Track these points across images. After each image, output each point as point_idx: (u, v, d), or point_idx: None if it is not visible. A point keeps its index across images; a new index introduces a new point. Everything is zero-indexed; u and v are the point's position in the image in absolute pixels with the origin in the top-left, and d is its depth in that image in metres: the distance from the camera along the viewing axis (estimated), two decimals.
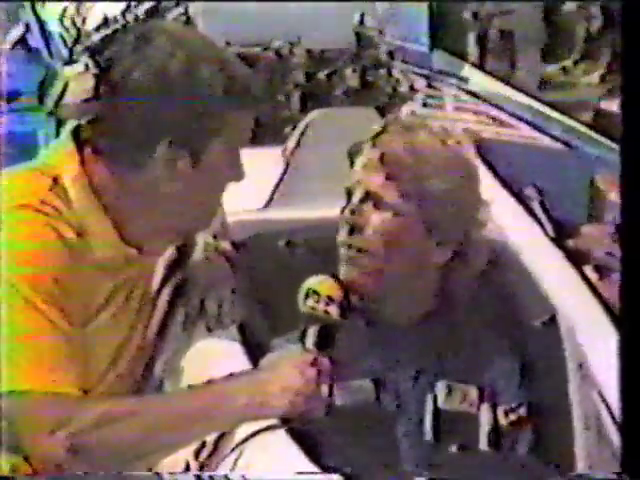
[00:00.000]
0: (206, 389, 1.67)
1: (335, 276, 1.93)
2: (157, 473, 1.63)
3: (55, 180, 1.64)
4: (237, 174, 1.73)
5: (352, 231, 1.86)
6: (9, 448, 1.54)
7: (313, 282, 1.92)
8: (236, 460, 1.67)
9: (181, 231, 1.82)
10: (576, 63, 3.55)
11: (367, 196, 1.86)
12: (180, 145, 1.62)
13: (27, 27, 3.92)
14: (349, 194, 1.89)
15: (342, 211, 1.90)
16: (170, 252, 2.01)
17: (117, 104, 1.62)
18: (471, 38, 3.75)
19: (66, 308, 1.58)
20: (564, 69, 3.56)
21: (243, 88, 1.65)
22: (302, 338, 1.87)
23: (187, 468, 1.70)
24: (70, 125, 1.71)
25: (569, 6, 3.61)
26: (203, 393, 1.67)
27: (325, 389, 1.71)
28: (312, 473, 1.62)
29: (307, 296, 1.91)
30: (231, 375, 1.69)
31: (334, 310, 1.90)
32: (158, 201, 1.68)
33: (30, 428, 1.52)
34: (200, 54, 1.63)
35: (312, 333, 1.88)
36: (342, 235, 1.88)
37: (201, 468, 1.69)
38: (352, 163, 1.93)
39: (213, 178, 1.69)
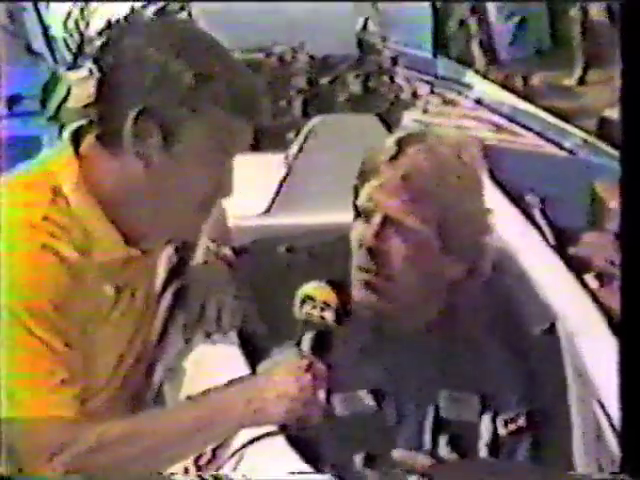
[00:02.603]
0: (202, 401, 1.67)
1: (331, 282, 1.93)
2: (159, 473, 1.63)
3: (55, 190, 1.62)
4: (226, 187, 1.70)
5: (373, 255, 1.83)
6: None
7: (309, 288, 1.93)
8: (235, 466, 1.67)
9: (173, 235, 1.81)
10: (583, 70, 3.55)
11: (386, 220, 1.83)
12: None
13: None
14: (361, 214, 1.87)
15: (356, 232, 1.88)
16: (170, 255, 2.01)
17: (117, 106, 1.61)
18: (475, 45, 3.76)
19: (64, 331, 1.56)
20: (569, 76, 3.57)
21: (243, 95, 1.63)
22: (298, 344, 1.88)
23: (186, 473, 1.70)
24: (70, 128, 1.70)
25: (575, 11, 3.60)
26: (199, 405, 1.67)
27: (322, 395, 1.71)
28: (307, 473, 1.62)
29: (303, 302, 1.91)
30: (228, 383, 1.69)
31: (330, 316, 1.90)
32: (149, 195, 1.66)
33: (29, 454, 1.52)
34: (191, 49, 1.61)
35: (308, 339, 1.88)
36: (359, 259, 1.86)
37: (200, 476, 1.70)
38: (362, 181, 1.90)
39: (196, 178, 1.65)
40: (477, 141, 2.76)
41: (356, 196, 1.91)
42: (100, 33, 3.86)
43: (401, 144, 1.87)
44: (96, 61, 1.64)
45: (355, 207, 1.91)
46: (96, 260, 1.64)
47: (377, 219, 1.83)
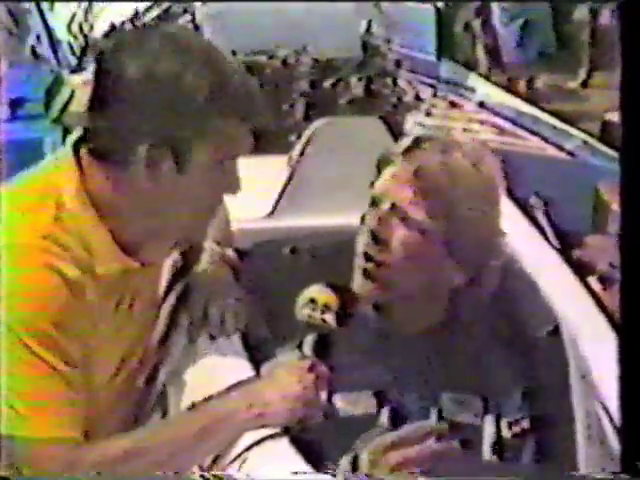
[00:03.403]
0: (204, 410, 1.67)
1: (332, 285, 1.93)
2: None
3: (58, 204, 1.61)
4: (232, 185, 1.71)
5: (375, 241, 1.84)
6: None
7: (310, 291, 1.93)
8: (238, 469, 1.67)
9: (179, 239, 1.81)
10: (588, 74, 3.55)
11: (393, 208, 1.84)
12: (162, 146, 1.58)
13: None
14: (374, 202, 1.88)
15: (363, 218, 1.88)
16: (175, 259, 2.01)
17: (109, 107, 1.60)
18: (480, 48, 3.76)
19: (66, 350, 1.56)
20: (573, 79, 3.57)
21: (237, 93, 1.61)
22: (300, 345, 1.88)
23: None
24: (72, 137, 1.69)
25: (579, 14, 3.60)
26: (201, 415, 1.67)
27: (324, 395, 1.71)
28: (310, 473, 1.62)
29: (305, 305, 1.92)
30: (229, 388, 1.69)
31: (331, 318, 1.90)
32: (151, 208, 1.66)
33: (33, 475, 1.52)
34: (192, 54, 1.59)
35: (309, 341, 1.88)
36: (362, 243, 1.86)
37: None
38: (379, 171, 1.91)
39: (203, 186, 1.65)
40: (495, 155, 2.76)
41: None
42: (106, 35, 3.86)
43: (418, 141, 1.90)
44: (98, 64, 1.63)
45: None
46: (97, 273, 1.64)
47: (385, 206, 1.85)
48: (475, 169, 1.87)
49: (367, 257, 1.85)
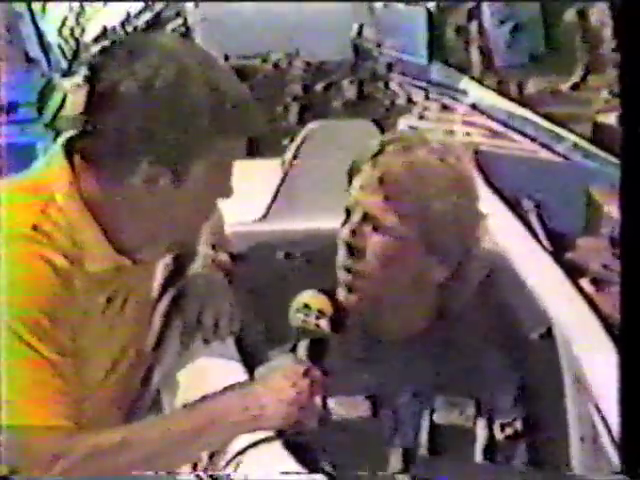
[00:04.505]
0: (199, 408, 1.67)
1: (326, 291, 1.93)
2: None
3: (48, 201, 1.62)
4: (225, 190, 1.71)
5: (351, 252, 1.84)
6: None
7: (304, 297, 1.93)
8: (233, 471, 1.67)
9: (172, 241, 1.82)
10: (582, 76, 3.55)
11: (366, 217, 1.84)
12: (162, 164, 1.60)
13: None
14: (348, 213, 1.88)
15: (340, 231, 1.88)
16: (168, 263, 2.01)
17: (105, 117, 1.60)
18: (474, 50, 3.75)
19: (57, 340, 1.56)
20: (564, 81, 3.57)
21: (235, 109, 1.62)
22: (294, 350, 1.88)
23: None
24: (63, 137, 1.69)
25: (570, 16, 3.60)
26: (196, 413, 1.66)
27: (318, 400, 1.72)
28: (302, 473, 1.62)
29: (299, 310, 1.92)
30: (224, 389, 1.69)
31: (325, 324, 1.91)
32: (145, 212, 1.67)
33: (24, 464, 1.52)
34: (192, 71, 1.59)
35: (304, 345, 1.88)
36: (341, 257, 1.87)
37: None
38: (350, 182, 1.91)
39: (198, 194, 1.66)
40: (465, 145, 2.77)
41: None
42: (96, 40, 3.85)
43: (383, 145, 1.89)
44: (91, 69, 1.63)
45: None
46: (87, 269, 1.65)
47: (356, 216, 1.85)
48: (442, 163, 1.86)
49: (346, 270, 1.85)
